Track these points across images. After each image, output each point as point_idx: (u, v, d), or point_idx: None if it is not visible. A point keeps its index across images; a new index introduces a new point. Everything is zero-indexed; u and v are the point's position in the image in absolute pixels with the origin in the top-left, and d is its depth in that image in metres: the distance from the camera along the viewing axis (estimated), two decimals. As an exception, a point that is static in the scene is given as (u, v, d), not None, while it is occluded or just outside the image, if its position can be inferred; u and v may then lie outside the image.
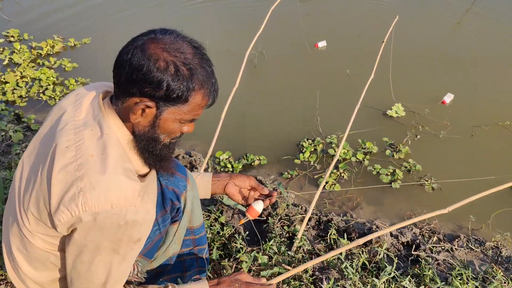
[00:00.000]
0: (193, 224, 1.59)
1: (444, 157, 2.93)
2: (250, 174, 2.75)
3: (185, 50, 1.13)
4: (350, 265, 1.94)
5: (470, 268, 2.04)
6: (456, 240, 2.30)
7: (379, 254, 2.15)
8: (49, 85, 3.61)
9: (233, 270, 1.86)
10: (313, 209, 2.47)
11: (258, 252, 1.97)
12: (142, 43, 1.12)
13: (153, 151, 1.24)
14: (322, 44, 4.07)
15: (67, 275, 1.23)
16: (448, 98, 3.39)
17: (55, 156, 1.14)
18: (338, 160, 2.87)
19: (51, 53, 4.05)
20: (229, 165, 2.78)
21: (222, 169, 2.78)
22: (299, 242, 2.05)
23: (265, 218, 2.32)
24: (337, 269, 1.92)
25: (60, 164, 1.12)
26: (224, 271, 1.83)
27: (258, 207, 1.65)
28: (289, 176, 2.75)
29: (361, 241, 1.79)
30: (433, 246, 2.20)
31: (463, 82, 3.66)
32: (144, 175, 1.26)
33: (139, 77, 1.11)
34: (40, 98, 3.44)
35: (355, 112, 2.51)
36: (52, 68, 3.79)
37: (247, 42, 2.76)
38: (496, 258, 2.21)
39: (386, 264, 1.91)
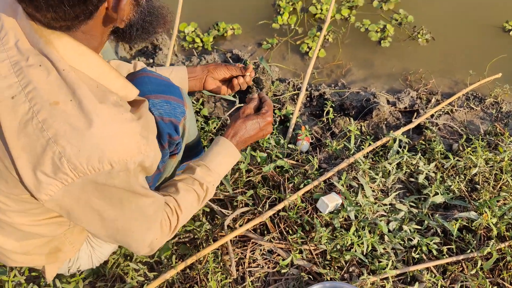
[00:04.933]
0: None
1: (437, 1, 2.61)
2: (223, 47, 2.39)
3: None
4: (356, 149, 1.77)
5: (478, 135, 1.93)
6: (456, 100, 2.15)
7: (381, 126, 1.99)
8: None
9: (230, 172, 1.66)
10: (300, 82, 2.21)
11: (254, 150, 1.76)
12: None
13: (153, 20, 0.93)
14: None
15: (96, 235, 0.99)
16: None
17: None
18: (321, 19, 2.51)
19: None
20: (197, 40, 2.38)
21: (189, 46, 2.38)
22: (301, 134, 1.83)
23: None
24: (343, 157, 1.75)
25: (13, 124, 0.78)
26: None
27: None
28: (269, 46, 2.39)
29: (378, 143, 1.58)
30: (434, 112, 2.04)
31: None
32: (134, 103, 0.93)
33: None
34: None
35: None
36: None
37: None
38: (496, 115, 2.10)
39: (394, 147, 1.76)
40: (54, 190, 0.80)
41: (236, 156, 1.23)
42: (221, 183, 1.63)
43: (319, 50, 2.37)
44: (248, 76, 1.42)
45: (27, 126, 0.77)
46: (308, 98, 2.14)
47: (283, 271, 1.47)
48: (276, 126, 1.92)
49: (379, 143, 1.79)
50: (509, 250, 1.49)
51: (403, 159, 1.72)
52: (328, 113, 1.97)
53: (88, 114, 0.78)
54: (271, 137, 1.76)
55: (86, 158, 0.77)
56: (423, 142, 1.89)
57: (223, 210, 1.54)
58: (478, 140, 1.83)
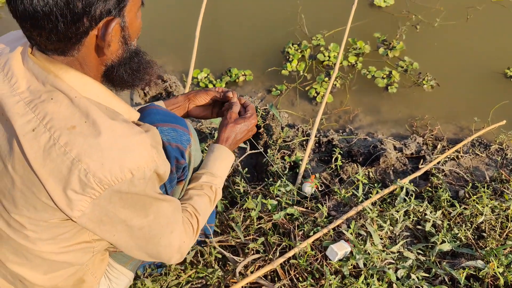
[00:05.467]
0: None
1: (441, 48, 2.70)
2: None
3: None
4: (364, 196, 1.82)
5: (484, 183, 1.98)
6: (462, 147, 2.20)
7: (388, 173, 2.05)
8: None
9: (241, 219, 1.71)
10: (309, 128, 2.28)
11: (264, 197, 1.81)
12: None
13: (140, 65, 1.02)
14: None
15: (128, 251, 1.06)
16: None
17: (23, 145, 0.87)
18: (328, 65, 2.61)
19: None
20: (210, 85, 2.48)
21: (203, 91, 2.47)
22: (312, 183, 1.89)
23: (262, 149, 2.13)
24: (352, 205, 1.80)
25: (37, 153, 0.86)
26: (233, 222, 1.68)
27: None
28: (278, 92, 2.49)
29: (386, 191, 1.64)
30: (438, 160, 2.10)
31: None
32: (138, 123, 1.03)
33: (80, 9, 0.83)
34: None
35: (352, 12, 2.18)
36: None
37: None
38: (502, 161, 2.15)
39: (401, 194, 1.81)
40: (84, 205, 0.88)
41: (232, 157, 1.35)
42: (233, 230, 1.68)
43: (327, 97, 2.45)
44: (233, 98, 1.46)
45: (51, 152, 0.86)
46: (316, 144, 2.21)
47: (293, 319, 1.50)
48: (286, 172, 1.98)
49: (386, 191, 1.84)
50: (517, 300, 1.50)
51: (410, 207, 1.76)
52: (336, 160, 2.03)
53: (104, 131, 0.87)
54: (281, 184, 1.82)
55: (109, 170, 0.85)
56: (430, 189, 1.93)
57: (235, 257, 1.59)
58: (484, 188, 1.87)
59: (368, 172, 2.05)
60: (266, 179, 1.94)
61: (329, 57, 2.59)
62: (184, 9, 2.87)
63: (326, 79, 2.51)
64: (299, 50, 2.62)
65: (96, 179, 0.85)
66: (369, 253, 1.59)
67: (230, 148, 1.35)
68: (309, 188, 1.83)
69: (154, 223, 1.01)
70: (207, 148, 2.06)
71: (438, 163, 2.09)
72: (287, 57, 2.63)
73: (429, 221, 1.73)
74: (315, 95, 2.46)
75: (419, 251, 1.67)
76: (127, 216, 0.95)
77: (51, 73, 0.90)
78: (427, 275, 1.57)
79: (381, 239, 1.67)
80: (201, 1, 2.24)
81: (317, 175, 1.93)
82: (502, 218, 1.77)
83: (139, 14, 0.97)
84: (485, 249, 1.67)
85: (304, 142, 2.18)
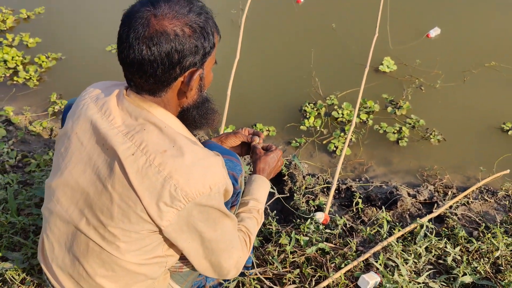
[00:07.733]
0: None
1: (443, 107, 2.97)
2: (257, 146, 2.69)
3: (181, 4, 1.06)
4: (387, 233, 1.97)
5: (498, 225, 2.13)
6: (470, 193, 2.38)
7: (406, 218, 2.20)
8: (17, 65, 3.28)
9: (277, 253, 1.84)
10: (328, 177, 2.46)
11: (297, 233, 1.96)
12: (143, 28, 1.02)
13: (208, 110, 1.24)
14: (435, 32, 3.53)
15: (194, 259, 1.19)
16: (434, 32, 3.43)
17: (125, 166, 1.05)
18: (342, 122, 2.85)
19: (4, 28, 3.66)
20: (235, 139, 2.69)
21: (228, 144, 2.69)
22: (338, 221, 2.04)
23: (287, 194, 2.29)
24: (377, 241, 1.94)
25: (137, 173, 1.04)
26: (270, 256, 1.81)
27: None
28: (298, 144, 2.70)
29: (407, 229, 1.79)
30: (452, 204, 2.27)
31: (449, 19, 3.67)
32: None
33: (176, 60, 1.05)
34: (15, 82, 3.14)
35: (365, 75, 2.45)
36: (13, 46, 3.44)
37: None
38: (510, 206, 2.32)
39: (421, 232, 1.96)
40: (172, 216, 1.05)
41: (269, 185, 1.55)
42: (270, 263, 1.80)
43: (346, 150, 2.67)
44: (258, 139, 1.66)
45: (148, 172, 1.04)
46: (336, 191, 2.38)
47: None
48: (311, 215, 2.13)
49: (408, 228, 1.99)
50: (539, 327, 1.61)
51: (431, 243, 1.90)
52: (357, 203, 2.19)
53: (188, 153, 1.05)
54: (311, 222, 1.97)
55: (194, 185, 1.03)
56: (446, 230, 2.08)
57: (274, 287, 1.70)
58: (497, 227, 2.03)
59: (387, 215, 2.21)
60: (294, 221, 2.08)
61: (342, 114, 2.84)
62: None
63: (342, 134, 2.74)
64: (315, 109, 2.88)
65: (183, 193, 1.03)
66: (397, 282, 1.71)
67: (267, 177, 1.55)
68: (321, 214, 1.98)
69: (220, 236, 1.18)
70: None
71: (450, 207, 2.25)
72: (305, 114, 2.88)
73: (450, 255, 1.86)
74: (334, 149, 2.67)
75: (442, 283, 1.79)
76: (202, 228, 1.12)
77: (144, 109, 1.12)
78: (452, 305, 1.68)
79: (406, 271, 1.80)
80: (231, 66, 2.50)
81: (336, 215, 2.08)
82: (516, 253, 1.91)
83: (211, 69, 1.20)
84: (504, 281, 1.79)
85: (325, 189, 2.35)
